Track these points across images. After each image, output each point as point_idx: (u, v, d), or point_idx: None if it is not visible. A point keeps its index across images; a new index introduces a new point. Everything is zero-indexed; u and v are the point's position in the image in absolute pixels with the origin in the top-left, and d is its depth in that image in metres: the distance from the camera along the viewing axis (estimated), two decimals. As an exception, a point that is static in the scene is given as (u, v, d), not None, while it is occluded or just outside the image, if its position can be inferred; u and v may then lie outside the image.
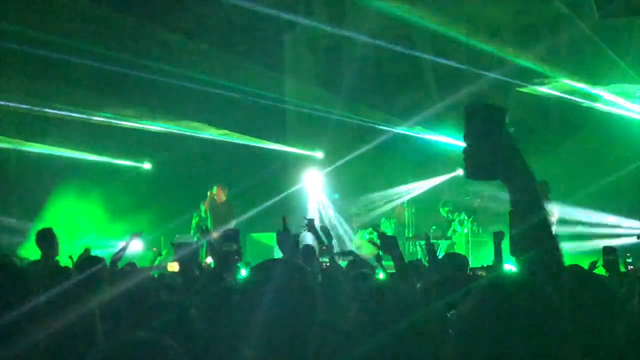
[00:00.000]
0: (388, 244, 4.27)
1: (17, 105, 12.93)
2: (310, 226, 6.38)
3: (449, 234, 13.40)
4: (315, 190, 15.76)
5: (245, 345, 1.99)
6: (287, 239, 4.39)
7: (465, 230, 13.01)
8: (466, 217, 13.06)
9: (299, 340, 1.97)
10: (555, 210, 10.93)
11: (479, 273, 5.86)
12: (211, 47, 13.00)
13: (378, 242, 4.54)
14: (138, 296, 4.07)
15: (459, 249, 12.66)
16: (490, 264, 6.71)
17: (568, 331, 1.70)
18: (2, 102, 12.37)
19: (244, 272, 6.45)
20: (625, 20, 12.69)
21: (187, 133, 15.07)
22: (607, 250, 5.54)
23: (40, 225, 7.59)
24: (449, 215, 13.55)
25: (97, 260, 5.38)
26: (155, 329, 2.85)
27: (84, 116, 13.39)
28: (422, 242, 13.62)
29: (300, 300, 2.01)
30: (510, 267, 6.63)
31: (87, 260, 5.54)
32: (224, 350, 2.34)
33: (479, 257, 11.92)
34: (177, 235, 11.92)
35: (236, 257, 5.33)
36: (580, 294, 2.57)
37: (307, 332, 2.00)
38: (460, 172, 14.77)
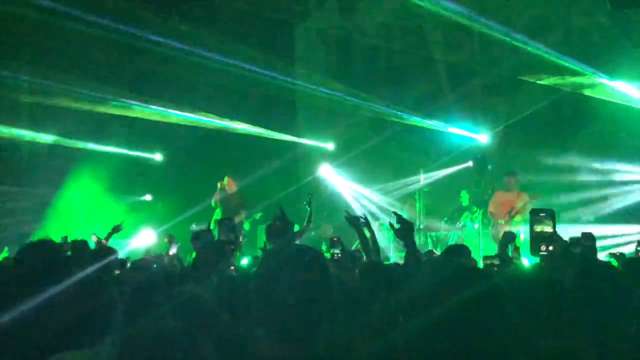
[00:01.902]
0: (405, 230, 4.25)
1: (29, 93, 13.02)
2: (352, 219, 6.34)
3: (458, 225, 13.39)
4: (338, 182, 15.78)
5: (262, 331, 2.00)
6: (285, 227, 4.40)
7: (477, 226, 12.98)
8: (478, 209, 13.02)
9: (314, 324, 1.98)
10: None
11: (492, 262, 5.85)
12: (223, 37, 13.01)
13: (396, 226, 4.49)
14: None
15: (469, 241, 12.65)
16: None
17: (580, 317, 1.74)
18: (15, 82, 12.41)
19: (245, 261, 6.51)
20: (637, 11, 12.61)
21: (198, 124, 15.11)
22: (586, 237, 5.59)
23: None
24: (470, 205, 13.49)
25: (111, 251, 5.53)
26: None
27: (94, 97, 13.33)
28: (433, 234, 13.66)
29: (316, 285, 2.01)
30: (525, 260, 6.66)
31: (101, 250, 5.67)
32: (240, 337, 2.36)
33: (491, 250, 11.91)
34: (193, 225, 11.86)
35: (232, 247, 5.37)
36: (592, 283, 2.62)
37: (322, 316, 2.01)
38: (470, 163, 14.80)
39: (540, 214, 4.23)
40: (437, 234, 13.63)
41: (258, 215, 13.27)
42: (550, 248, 4.09)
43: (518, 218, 11.23)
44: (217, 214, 12.52)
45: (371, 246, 5.93)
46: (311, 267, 2.05)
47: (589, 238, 5.56)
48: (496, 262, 5.81)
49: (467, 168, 14.76)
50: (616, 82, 12.95)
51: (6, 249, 10.00)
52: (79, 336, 2.41)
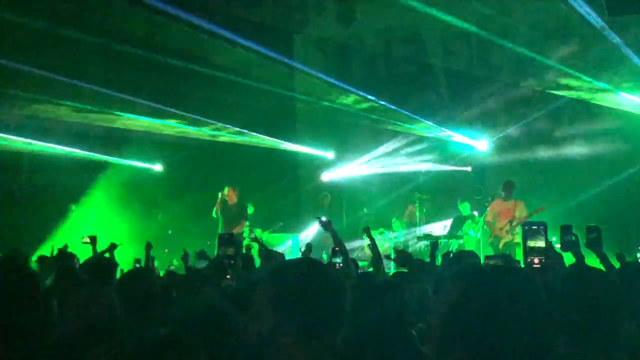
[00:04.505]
0: (403, 260, 4.31)
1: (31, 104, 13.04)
2: (326, 226, 6.43)
3: (460, 233, 13.37)
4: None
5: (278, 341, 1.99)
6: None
7: (479, 235, 12.96)
8: (480, 217, 13.00)
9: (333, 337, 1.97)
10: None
11: (494, 262, 5.80)
12: (222, 46, 13.00)
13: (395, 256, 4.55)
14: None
15: (469, 247, 12.64)
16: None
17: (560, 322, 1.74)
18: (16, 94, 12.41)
19: None
20: (635, 17, 12.62)
21: (198, 134, 15.10)
22: (591, 229, 5.44)
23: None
24: (471, 214, 13.46)
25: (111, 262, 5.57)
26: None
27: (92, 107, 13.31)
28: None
29: (326, 298, 1.98)
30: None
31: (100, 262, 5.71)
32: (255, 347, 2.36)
33: (490, 256, 11.90)
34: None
35: (232, 261, 5.31)
36: (578, 286, 2.63)
37: (338, 330, 2.00)
38: (469, 169, 14.85)
39: (533, 227, 4.20)
40: (438, 241, 13.60)
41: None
42: (544, 261, 4.07)
43: (519, 229, 11.29)
44: (220, 225, 12.53)
45: (375, 258, 5.95)
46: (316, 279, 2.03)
47: (593, 230, 5.31)
48: (500, 262, 5.75)
49: (468, 176, 14.82)
50: (615, 90, 12.96)
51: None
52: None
